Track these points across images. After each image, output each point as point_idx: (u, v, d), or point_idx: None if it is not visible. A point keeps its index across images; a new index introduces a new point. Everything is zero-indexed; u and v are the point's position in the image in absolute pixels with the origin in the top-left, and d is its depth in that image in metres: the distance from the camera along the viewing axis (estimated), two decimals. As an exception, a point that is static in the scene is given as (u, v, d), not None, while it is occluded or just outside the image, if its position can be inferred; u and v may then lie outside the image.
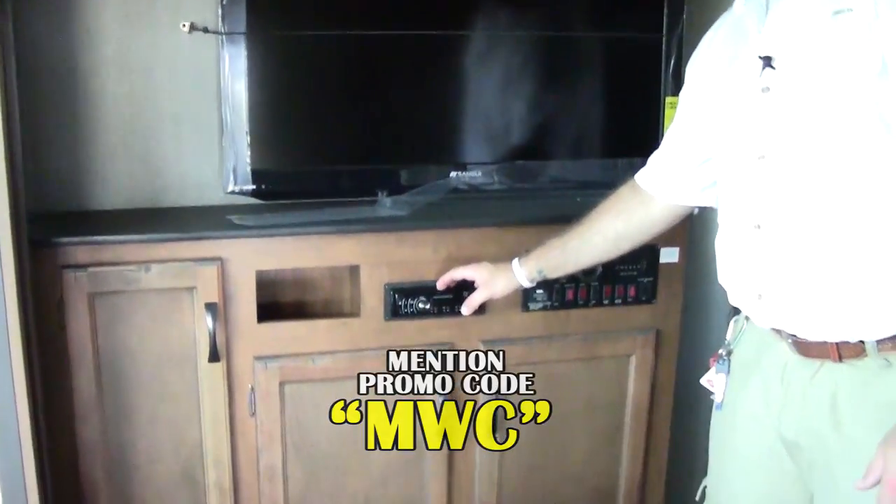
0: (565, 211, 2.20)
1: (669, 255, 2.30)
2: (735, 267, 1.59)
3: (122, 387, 2.00)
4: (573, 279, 2.21)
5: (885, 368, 1.41)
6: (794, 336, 1.49)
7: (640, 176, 1.83)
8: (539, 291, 2.21)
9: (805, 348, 1.49)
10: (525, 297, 2.21)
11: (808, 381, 1.49)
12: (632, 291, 2.29)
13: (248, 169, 2.12)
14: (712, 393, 1.72)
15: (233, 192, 2.14)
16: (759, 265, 1.52)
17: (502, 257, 2.08)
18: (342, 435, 2.15)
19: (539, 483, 2.34)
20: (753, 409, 1.60)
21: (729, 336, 1.69)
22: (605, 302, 2.28)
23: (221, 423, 2.06)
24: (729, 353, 1.68)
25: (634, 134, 2.37)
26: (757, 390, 1.59)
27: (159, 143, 2.19)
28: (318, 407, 2.12)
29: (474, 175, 2.25)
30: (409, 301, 2.13)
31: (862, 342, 1.42)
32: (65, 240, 1.92)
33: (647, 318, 2.32)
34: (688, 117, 1.72)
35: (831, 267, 1.42)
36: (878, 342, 1.41)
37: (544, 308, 2.24)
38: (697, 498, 1.79)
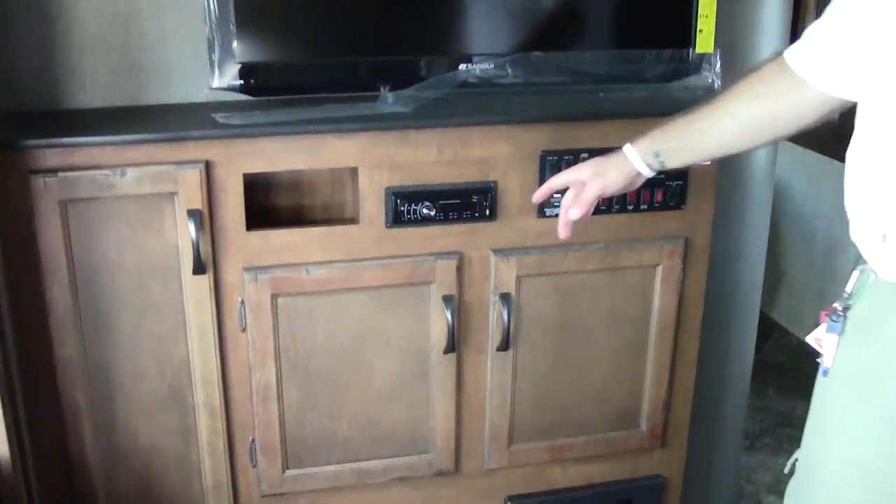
0: (586, 107, 2.02)
1: (702, 156, 2.09)
2: (863, 193, 1.32)
3: (100, 301, 1.85)
4: (594, 183, 2.02)
5: None
6: None
7: (792, 54, 1.45)
8: (557, 196, 2.01)
9: None
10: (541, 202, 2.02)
11: None
12: (659, 196, 2.09)
13: (235, 62, 1.91)
14: (820, 355, 1.44)
15: (218, 88, 1.93)
16: (893, 196, 1.25)
17: (517, 158, 1.90)
18: (341, 351, 2.00)
19: (555, 403, 2.18)
20: (868, 381, 1.35)
21: (849, 288, 1.41)
22: (630, 207, 2.08)
23: (209, 339, 1.91)
24: (846, 310, 1.40)
25: (664, 22, 2.13)
26: (876, 359, 1.33)
27: (140, 35, 1.98)
28: (313, 321, 1.96)
29: (485, 67, 2.02)
30: (413, 206, 1.95)
31: None
32: (32, 142, 1.75)
33: (676, 225, 2.12)
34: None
35: None
36: None
37: (562, 214, 2.04)
38: (787, 471, 1.58)
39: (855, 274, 1.41)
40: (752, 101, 1.51)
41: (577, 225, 1.67)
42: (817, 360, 1.46)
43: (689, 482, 2.47)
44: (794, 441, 3.19)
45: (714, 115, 1.54)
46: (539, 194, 1.76)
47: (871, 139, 1.30)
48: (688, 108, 1.58)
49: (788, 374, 3.76)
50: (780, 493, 2.93)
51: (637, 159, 1.61)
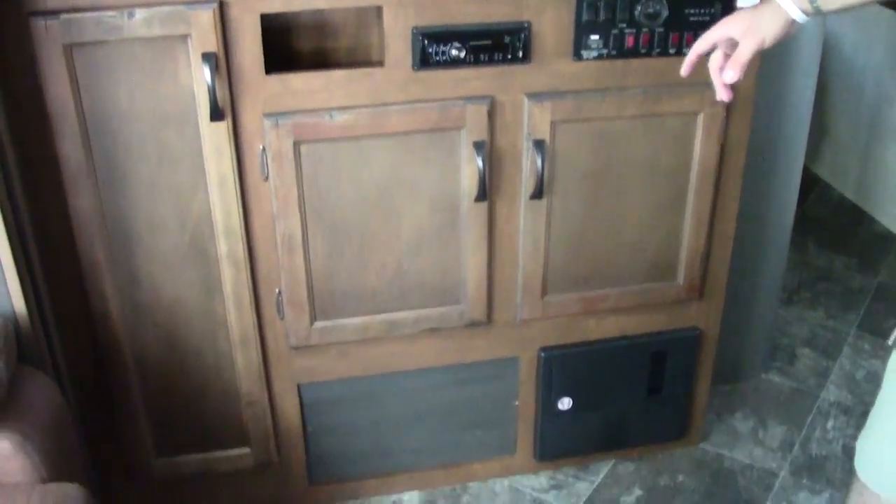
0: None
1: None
2: None
3: (113, 152, 1.78)
4: (633, 23, 1.90)
5: None
6: None
7: None
8: (594, 37, 1.90)
9: None
10: (577, 43, 1.90)
11: None
12: (702, 37, 1.96)
13: None
14: None
15: (232, -79, 1.81)
16: None
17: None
18: (367, 200, 1.92)
19: (590, 253, 2.11)
20: None
21: None
22: (672, 51, 1.95)
23: (230, 188, 1.84)
24: None
25: None
26: None
27: None
28: (338, 169, 1.89)
29: None
30: (441, 47, 1.84)
31: None
32: (29, -20, 1.64)
33: (719, 68, 2.00)
34: None
35: None
36: None
37: (599, 57, 1.93)
38: (891, 342, 1.47)
39: None
40: None
41: (736, 88, 1.50)
42: None
43: (724, 335, 2.41)
44: (832, 296, 3.17)
45: None
46: (687, 66, 1.55)
47: None
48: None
49: (829, 229, 3.67)
50: (815, 346, 2.91)
51: (791, 5, 1.44)
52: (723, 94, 1.50)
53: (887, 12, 3.48)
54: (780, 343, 2.93)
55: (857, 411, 2.63)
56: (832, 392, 2.73)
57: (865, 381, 2.76)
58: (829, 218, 3.77)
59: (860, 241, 3.61)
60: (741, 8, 1.49)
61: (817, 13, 1.45)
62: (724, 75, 1.47)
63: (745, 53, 1.44)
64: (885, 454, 1.49)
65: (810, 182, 3.88)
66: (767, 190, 2.48)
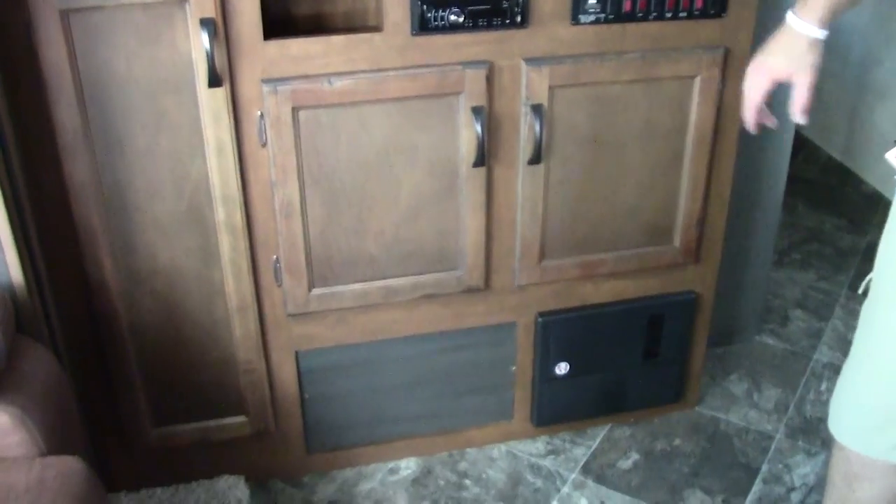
0: None
1: (744, -40, 1.95)
2: None
3: (110, 119, 1.75)
4: (631, -15, 1.89)
5: None
6: None
7: None
8: (591, 1, 1.89)
9: None
10: (575, 7, 1.89)
11: None
12: (699, 2, 1.95)
13: None
14: (895, 172, 1.39)
15: None
16: None
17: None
18: (366, 166, 1.91)
19: (588, 218, 2.11)
20: None
21: None
22: (668, 15, 1.95)
23: (228, 155, 1.82)
24: None
25: None
26: None
27: None
28: (337, 135, 1.87)
29: None
30: (440, 12, 1.82)
31: None
32: (21, -58, 1.61)
33: (716, 33, 2.00)
34: None
35: None
36: None
37: (597, 21, 1.92)
38: (861, 291, 1.53)
39: None
40: None
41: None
42: (895, 177, 1.41)
43: (718, 298, 2.42)
44: (822, 257, 3.18)
45: None
46: (751, 122, 1.59)
47: None
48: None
49: (817, 189, 3.69)
50: (806, 308, 2.93)
51: (811, 28, 1.44)
52: (754, 129, 1.57)
53: (876, -26, 3.48)
54: (772, 305, 2.95)
55: (849, 372, 2.64)
56: (825, 353, 2.75)
57: (856, 343, 2.78)
58: (817, 178, 3.78)
59: (849, 201, 3.63)
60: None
61: (825, 24, 1.45)
62: (796, 119, 1.53)
63: (805, 95, 1.50)
64: (852, 408, 1.52)
65: (798, 143, 3.86)
66: (759, 153, 2.48)
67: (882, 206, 3.52)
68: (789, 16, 1.46)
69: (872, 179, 3.71)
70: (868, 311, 1.53)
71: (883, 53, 3.61)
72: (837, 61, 3.79)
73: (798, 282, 3.10)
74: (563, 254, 2.13)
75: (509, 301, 2.17)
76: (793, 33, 1.46)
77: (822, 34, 1.45)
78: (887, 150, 1.43)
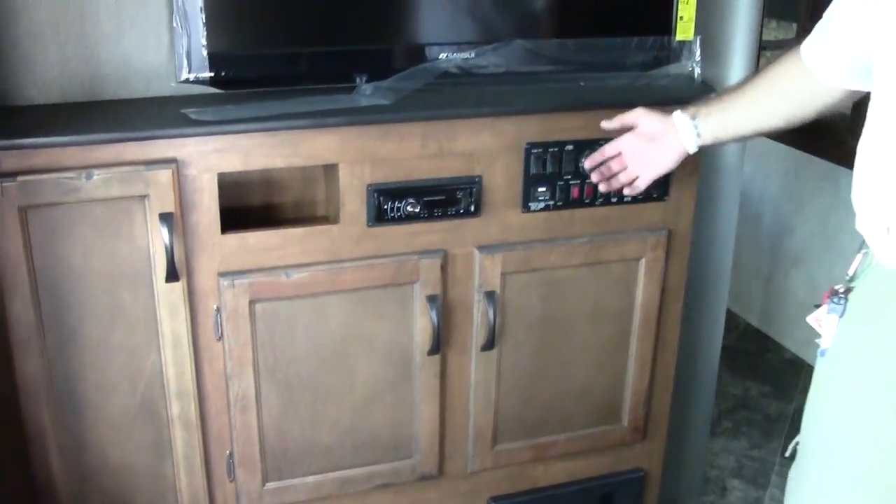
0: (569, 97, 1.96)
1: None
2: (868, 186, 1.31)
3: (65, 313, 1.72)
4: (579, 175, 1.95)
5: None
6: None
7: (804, 48, 1.52)
8: (541, 189, 1.95)
9: None
10: (525, 196, 1.94)
11: None
12: (642, 187, 2.03)
13: (205, 53, 1.79)
14: (819, 336, 1.45)
15: (187, 81, 1.81)
16: None
17: (502, 151, 1.85)
18: (322, 356, 1.90)
19: (539, 400, 2.12)
20: (866, 365, 1.34)
21: (851, 270, 1.41)
22: (614, 200, 2.01)
23: (184, 349, 1.80)
24: (847, 291, 1.41)
25: (645, 9, 2.07)
26: (873, 343, 1.33)
27: (97, 23, 1.83)
28: (293, 326, 1.86)
29: (467, 56, 1.94)
30: (396, 203, 1.86)
31: None
32: (-14, 143, 1.61)
33: (659, 216, 2.07)
34: None
35: None
36: None
37: (546, 208, 1.97)
38: (787, 454, 1.56)
39: (858, 257, 1.41)
40: (786, 82, 1.56)
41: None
42: (816, 340, 1.47)
43: (663, 473, 2.43)
44: (752, 424, 3.22)
45: (752, 93, 1.61)
46: (591, 162, 1.90)
47: (880, 134, 1.30)
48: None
49: (739, 357, 3.77)
50: (743, 477, 2.95)
51: (690, 139, 1.70)
52: (604, 186, 1.87)
53: (781, 146, 3.66)
54: (710, 476, 2.96)
55: (792, 543, 2.65)
56: (765, 525, 2.76)
57: (795, 512, 2.80)
58: (738, 346, 3.87)
59: (771, 367, 3.71)
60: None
61: (702, 145, 1.70)
62: (625, 190, 1.84)
63: (643, 185, 1.81)
64: None
65: (718, 311, 3.99)
66: (697, 326, 2.54)
67: (805, 370, 3.60)
68: (676, 114, 1.71)
69: (791, 345, 3.81)
70: (796, 473, 1.55)
71: (794, 221, 3.77)
72: (751, 230, 3.94)
73: (732, 451, 3.13)
74: (516, 437, 2.13)
75: (462, 487, 2.15)
76: (673, 136, 1.70)
77: (693, 149, 1.69)
78: (807, 314, 1.49)
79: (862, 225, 1.35)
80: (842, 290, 1.41)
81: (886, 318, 1.32)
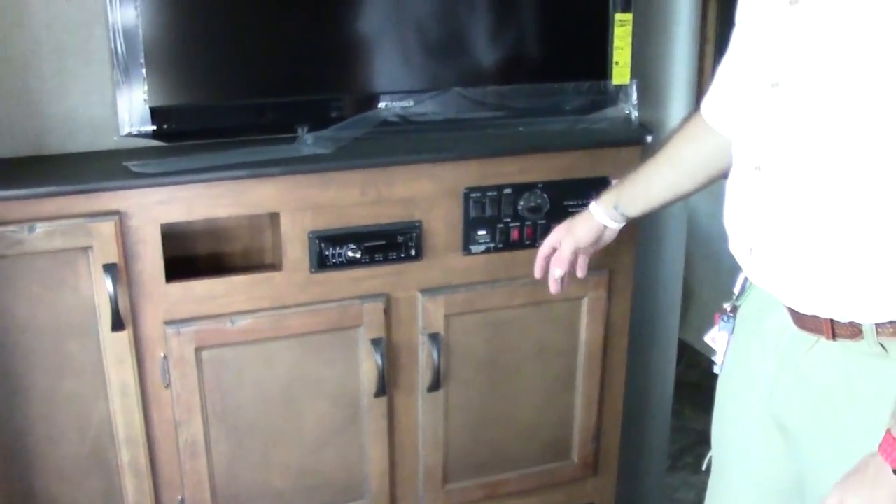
0: (507, 142, 2.01)
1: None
2: (733, 212, 1.39)
3: (11, 365, 1.75)
4: (518, 217, 2.01)
5: (882, 357, 1.22)
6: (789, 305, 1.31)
7: (703, 105, 1.58)
8: (481, 232, 2.00)
9: (800, 319, 1.30)
10: (466, 239, 1.99)
11: (803, 356, 1.31)
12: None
13: (146, 106, 1.84)
14: (714, 353, 1.57)
15: (129, 135, 1.86)
16: (754, 214, 1.33)
17: (441, 196, 1.89)
18: (270, 401, 1.93)
19: (488, 439, 2.15)
20: (749, 376, 1.43)
21: (737, 289, 1.50)
22: (553, 242, 2.07)
23: (132, 397, 1.83)
24: (735, 310, 1.50)
25: (581, 55, 2.14)
26: (755, 356, 1.42)
27: (39, 78, 1.87)
28: (240, 372, 1.90)
29: (405, 105, 2.00)
30: (338, 250, 1.90)
31: (857, 324, 1.22)
32: (-73, 199, 1.65)
33: (600, 257, 2.08)
34: (735, 37, 1.45)
35: (830, 226, 1.21)
36: (878, 326, 1.21)
37: (487, 251, 2.02)
38: (704, 468, 1.67)
39: (741, 276, 1.49)
40: (685, 144, 1.62)
41: (565, 281, 1.82)
42: (712, 357, 1.59)
43: (618, 507, 2.47)
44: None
45: (657, 161, 1.65)
46: (538, 269, 1.84)
47: (737, 167, 1.38)
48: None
49: (703, 392, 3.76)
50: (706, 513, 2.97)
51: (600, 213, 1.72)
52: (553, 287, 1.81)
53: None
54: (669, 511, 3.00)
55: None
56: (724, 558, 2.78)
57: (754, 545, 2.83)
58: (701, 382, 3.90)
59: (732, 403, 3.74)
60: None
61: (624, 218, 1.73)
62: (554, 272, 1.78)
63: (564, 253, 1.78)
64: None
65: (680, 349, 4.02)
66: (647, 362, 2.59)
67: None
68: (592, 203, 1.74)
69: (753, 380, 3.85)
70: (709, 486, 1.67)
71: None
72: (710, 269, 4.00)
73: (693, 485, 3.16)
74: (467, 476, 2.16)
75: (415, 527, 2.18)
76: (588, 213, 1.75)
77: (610, 223, 1.73)
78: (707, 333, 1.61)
79: (732, 246, 1.42)
80: (729, 308, 1.51)
81: (761, 331, 1.40)
